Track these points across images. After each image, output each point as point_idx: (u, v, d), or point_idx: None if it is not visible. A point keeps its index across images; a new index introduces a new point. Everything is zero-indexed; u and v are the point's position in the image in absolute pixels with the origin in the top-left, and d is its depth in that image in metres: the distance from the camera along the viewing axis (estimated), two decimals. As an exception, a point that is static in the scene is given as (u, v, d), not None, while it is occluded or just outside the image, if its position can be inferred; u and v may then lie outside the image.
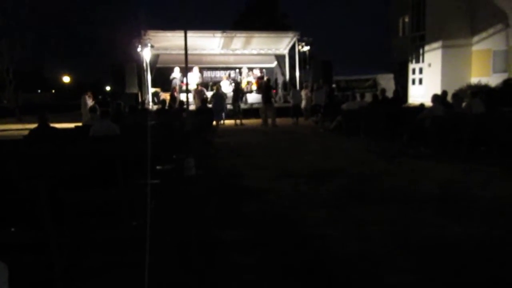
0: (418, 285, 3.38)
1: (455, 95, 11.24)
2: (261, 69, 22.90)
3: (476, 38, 22.80)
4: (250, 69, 22.59)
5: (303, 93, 18.65)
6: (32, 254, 3.25)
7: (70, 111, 27.46)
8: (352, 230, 4.63)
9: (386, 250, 4.03)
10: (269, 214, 5.31)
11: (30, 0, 26.23)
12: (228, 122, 17.63)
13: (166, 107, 14.64)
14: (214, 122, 14.89)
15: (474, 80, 21.89)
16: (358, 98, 14.73)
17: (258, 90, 20.69)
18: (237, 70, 22.81)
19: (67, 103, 33.73)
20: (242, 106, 19.12)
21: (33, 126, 7.14)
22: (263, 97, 17.24)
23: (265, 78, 21.79)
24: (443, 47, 22.95)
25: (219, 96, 16.46)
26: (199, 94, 17.90)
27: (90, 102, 17.55)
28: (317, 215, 5.22)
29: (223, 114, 16.75)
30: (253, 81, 21.71)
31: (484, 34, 22.24)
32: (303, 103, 18.32)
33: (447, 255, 3.91)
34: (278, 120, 17.55)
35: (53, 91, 52.97)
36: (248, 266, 3.78)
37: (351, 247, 4.15)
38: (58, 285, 3.11)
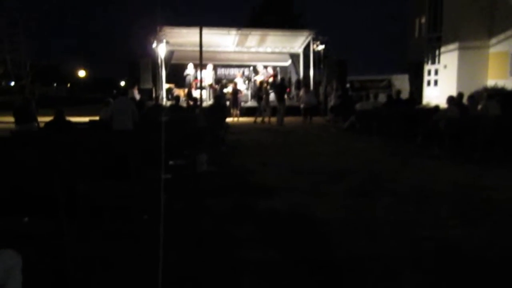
0: (426, 285, 3.36)
1: (471, 97, 11.11)
2: (274, 67, 22.80)
3: (493, 40, 22.45)
4: (265, 67, 22.50)
5: (301, 92, 18.54)
6: (44, 244, 3.30)
7: (84, 105, 27.79)
8: (362, 229, 4.61)
9: (394, 250, 4.01)
10: (280, 211, 5.30)
11: None
12: (243, 119, 18.00)
13: (183, 104, 14.73)
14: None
15: (490, 82, 21.59)
16: (372, 98, 14.66)
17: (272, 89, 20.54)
18: (251, 68, 22.75)
19: (82, 97, 34.17)
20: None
21: (48, 119, 7.25)
22: (276, 96, 17.20)
23: (279, 77, 21.75)
24: (460, 48, 22.65)
25: (236, 92, 18.36)
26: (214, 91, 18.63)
27: (137, 95, 17.70)
28: (328, 213, 5.21)
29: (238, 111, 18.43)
30: (266, 79, 21.45)
31: (502, 36, 21.87)
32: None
33: (454, 257, 3.87)
34: (290, 119, 17.50)
35: (69, 85, 53.57)
36: (258, 261, 3.79)
37: (360, 245, 4.13)
38: (69, 275, 3.14)
